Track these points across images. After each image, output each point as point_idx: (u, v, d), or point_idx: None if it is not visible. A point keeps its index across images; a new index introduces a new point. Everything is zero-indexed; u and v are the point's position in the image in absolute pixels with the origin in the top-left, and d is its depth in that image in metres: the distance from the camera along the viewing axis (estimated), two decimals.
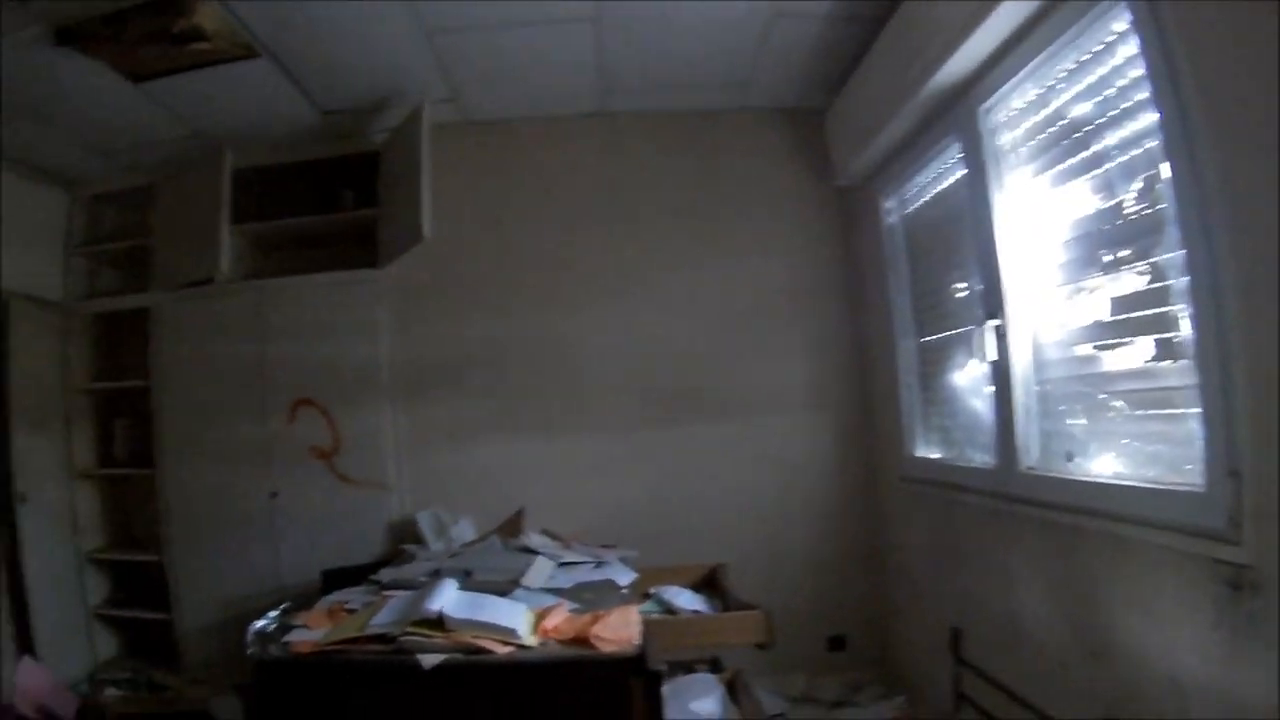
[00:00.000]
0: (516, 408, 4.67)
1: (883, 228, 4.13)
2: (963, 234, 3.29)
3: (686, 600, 3.62)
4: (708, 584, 4.04)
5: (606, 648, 2.41)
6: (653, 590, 3.72)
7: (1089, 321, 2.52)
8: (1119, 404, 2.41)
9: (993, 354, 3.02)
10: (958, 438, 3.61)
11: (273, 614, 2.86)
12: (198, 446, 4.64)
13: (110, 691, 4.35)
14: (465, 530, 4.30)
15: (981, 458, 3.33)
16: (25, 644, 4.40)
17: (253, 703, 2.47)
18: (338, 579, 3.76)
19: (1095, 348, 2.50)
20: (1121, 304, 2.34)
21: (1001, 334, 2.96)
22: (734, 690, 3.10)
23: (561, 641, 2.49)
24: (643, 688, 2.35)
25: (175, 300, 4.72)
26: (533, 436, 4.65)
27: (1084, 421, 2.60)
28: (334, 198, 4.66)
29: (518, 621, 2.51)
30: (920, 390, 3.96)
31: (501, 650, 2.35)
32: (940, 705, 3.59)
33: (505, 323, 4.70)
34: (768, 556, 4.50)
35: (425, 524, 4.33)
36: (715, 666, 3.93)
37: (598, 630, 2.49)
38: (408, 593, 2.87)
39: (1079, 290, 2.57)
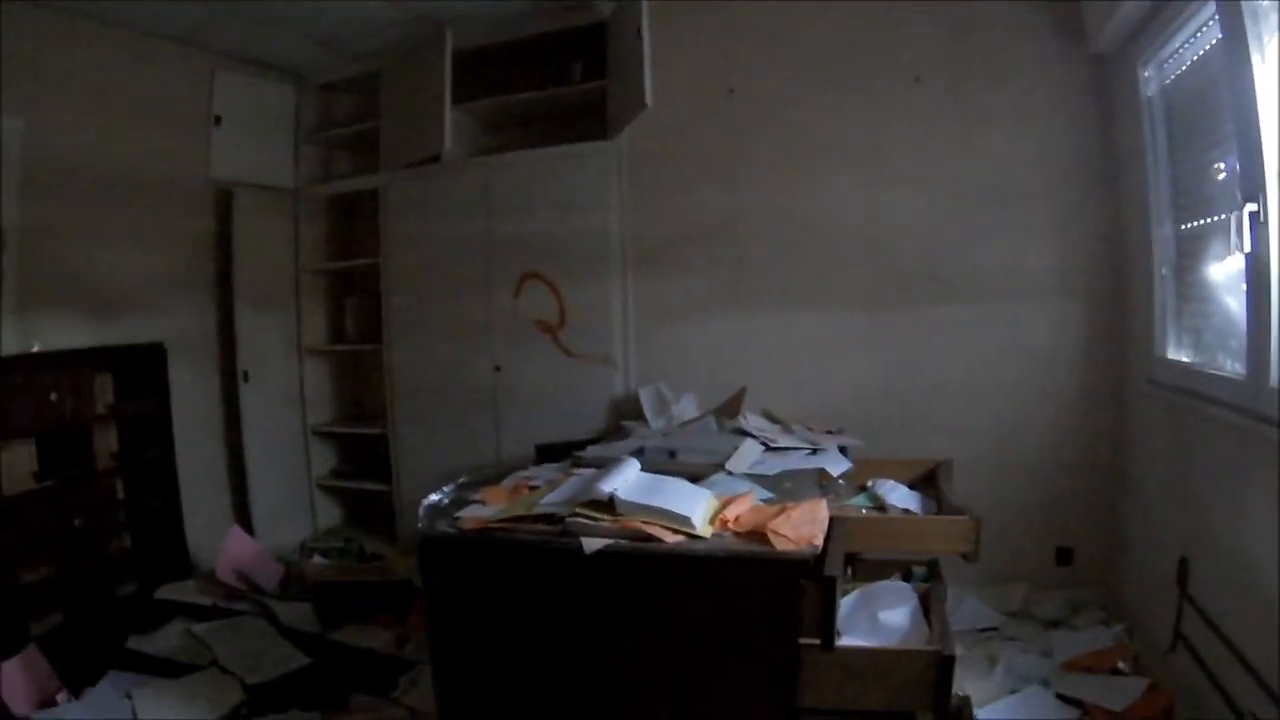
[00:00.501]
0: (745, 283, 4.51)
1: (1140, 99, 3.54)
2: (1222, 105, 2.75)
3: (900, 497, 3.33)
4: (928, 480, 3.75)
5: (782, 545, 2.23)
6: (870, 483, 3.44)
7: None
8: None
9: (1248, 245, 2.57)
10: (1209, 341, 3.13)
11: (448, 488, 2.85)
12: (424, 322, 4.82)
13: (316, 560, 4.55)
14: (687, 408, 4.21)
15: (1233, 366, 2.86)
16: (244, 516, 4.74)
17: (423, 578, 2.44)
18: (551, 453, 3.76)
19: None
20: None
21: (1259, 221, 2.50)
22: (927, 604, 2.85)
23: (739, 534, 2.33)
24: (817, 592, 2.19)
25: (403, 180, 4.84)
26: (761, 313, 4.49)
27: None
28: (564, 72, 4.59)
29: (694, 509, 2.35)
30: (1175, 284, 3.43)
31: (670, 539, 2.22)
32: (1159, 642, 3.22)
33: (735, 195, 4.51)
34: (999, 454, 4.15)
35: (647, 400, 4.29)
36: (933, 570, 3.71)
37: (776, 525, 2.30)
38: (590, 471, 2.79)
39: None
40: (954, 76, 4.19)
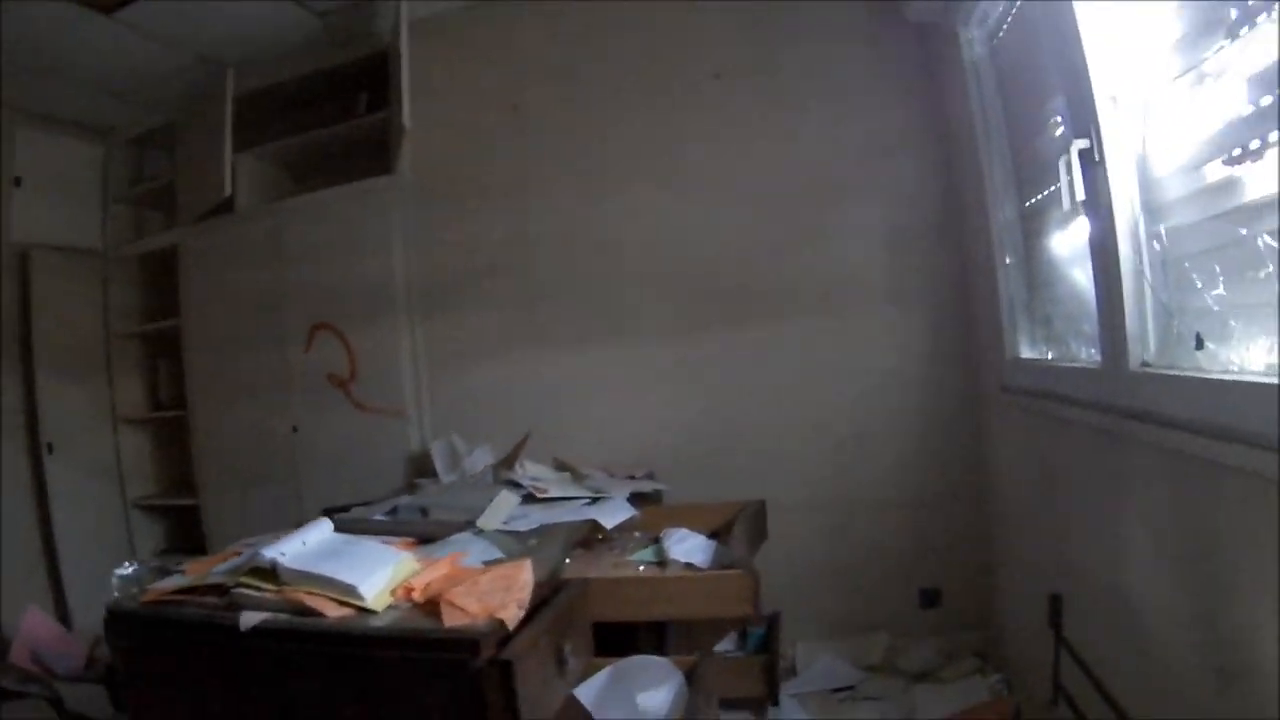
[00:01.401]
0: (540, 318, 4.06)
1: (965, 63, 3.06)
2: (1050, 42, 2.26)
3: (688, 549, 2.81)
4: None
5: (455, 619, 1.82)
6: (664, 534, 2.92)
7: (1219, 123, 1.51)
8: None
9: (1080, 191, 2.00)
10: (1060, 329, 2.63)
11: (143, 561, 2.72)
12: (223, 383, 4.52)
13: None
14: (480, 460, 3.79)
15: (1088, 354, 2.34)
16: (59, 595, 4.46)
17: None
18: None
19: (1228, 163, 1.49)
20: (1262, 82, 1.35)
21: (1093, 160, 1.94)
22: (695, 681, 2.23)
23: (419, 606, 1.94)
24: (496, 679, 1.72)
25: (199, 234, 4.56)
26: (558, 350, 4.03)
27: (1221, 290, 1.59)
28: (352, 106, 4.29)
29: (369, 577, 1.98)
30: (1024, 272, 2.92)
31: (334, 612, 1.88)
32: (1040, 694, 2.64)
33: (525, 221, 4.09)
34: (843, 488, 3.65)
35: (439, 454, 3.90)
36: (772, 625, 3.19)
37: (453, 595, 1.92)
38: (267, 537, 2.37)
39: (1199, 77, 1.57)
40: (759, 67, 3.77)
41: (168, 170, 4.88)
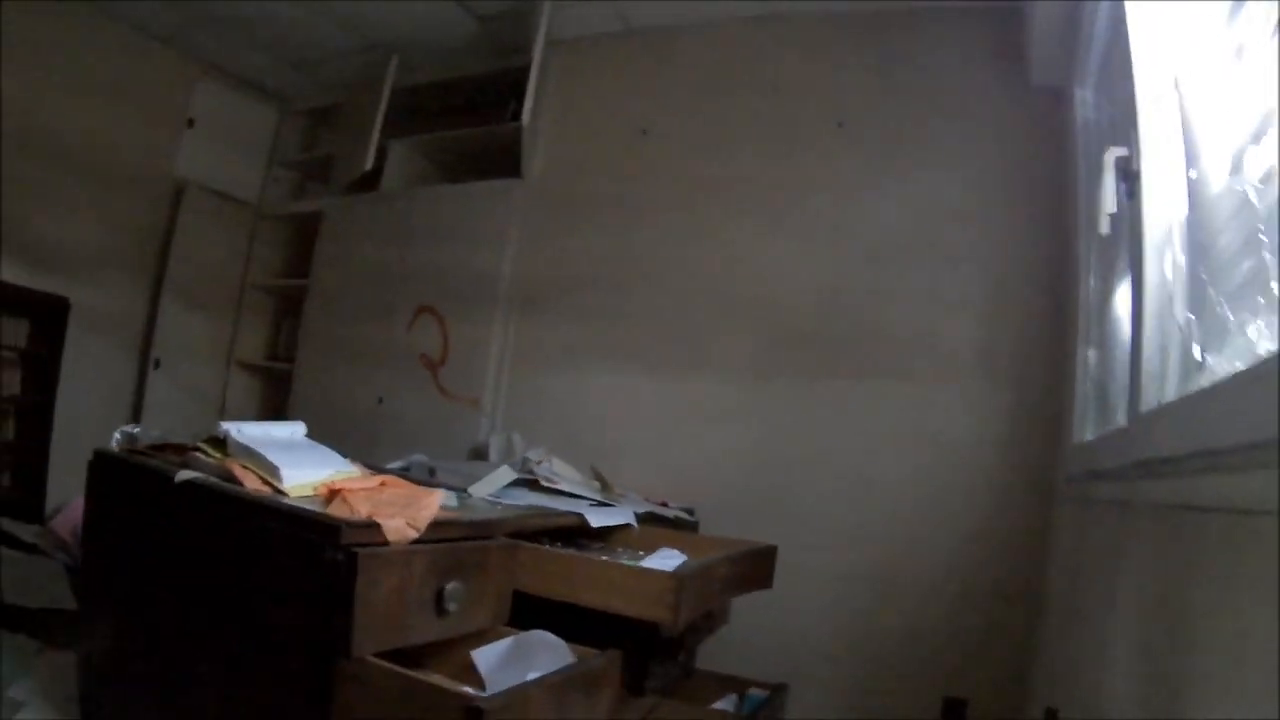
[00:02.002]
0: (622, 337, 4.01)
1: (1077, 124, 2.84)
2: None
3: (656, 561, 2.64)
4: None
5: (339, 512, 1.80)
6: (658, 551, 2.78)
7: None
8: None
9: (1111, 203, 1.78)
10: (1114, 396, 2.31)
11: (149, 429, 2.56)
12: (332, 346, 4.73)
13: None
14: (534, 458, 3.67)
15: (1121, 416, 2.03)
16: None
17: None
18: None
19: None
20: None
21: (1129, 171, 1.72)
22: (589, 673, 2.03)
23: (326, 500, 1.93)
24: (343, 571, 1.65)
25: (343, 205, 4.84)
26: (634, 371, 3.96)
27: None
28: (501, 111, 4.46)
29: (297, 469, 2.00)
30: (1100, 349, 2.62)
31: (251, 485, 1.93)
32: None
33: (629, 241, 4.09)
34: (883, 566, 3.33)
35: (495, 446, 3.94)
36: (775, 695, 3.06)
37: (350, 495, 1.90)
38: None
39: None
40: (880, 120, 3.66)
41: (330, 145, 5.24)
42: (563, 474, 3.19)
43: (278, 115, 5.49)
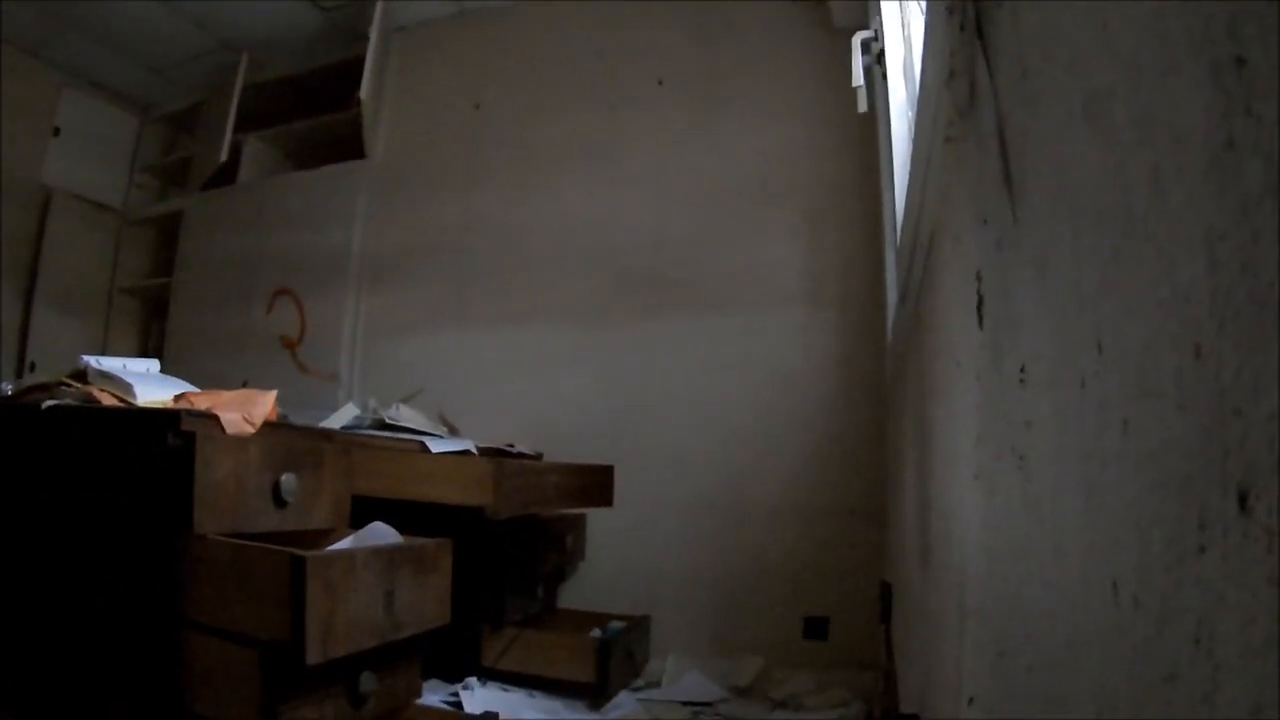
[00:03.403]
0: (470, 299, 4.17)
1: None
2: None
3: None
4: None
5: (192, 404, 2.00)
6: None
7: None
8: None
9: (859, 79, 1.94)
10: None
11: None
12: (197, 338, 4.80)
13: None
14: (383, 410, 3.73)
15: None
16: None
17: None
18: None
19: None
20: None
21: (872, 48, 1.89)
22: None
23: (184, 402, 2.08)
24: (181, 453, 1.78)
25: (203, 202, 4.93)
26: (483, 329, 4.11)
27: None
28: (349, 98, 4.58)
29: (152, 390, 2.13)
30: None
31: (108, 403, 2.04)
32: None
33: (469, 208, 4.27)
34: (735, 494, 3.45)
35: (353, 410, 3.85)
36: (636, 625, 3.22)
37: (192, 398, 2.09)
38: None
39: None
40: (698, 75, 3.89)
41: (189, 147, 5.30)
42: (410, 419, 3.26)
43: (139, 121, 5.52)
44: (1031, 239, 0.58)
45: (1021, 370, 0.59)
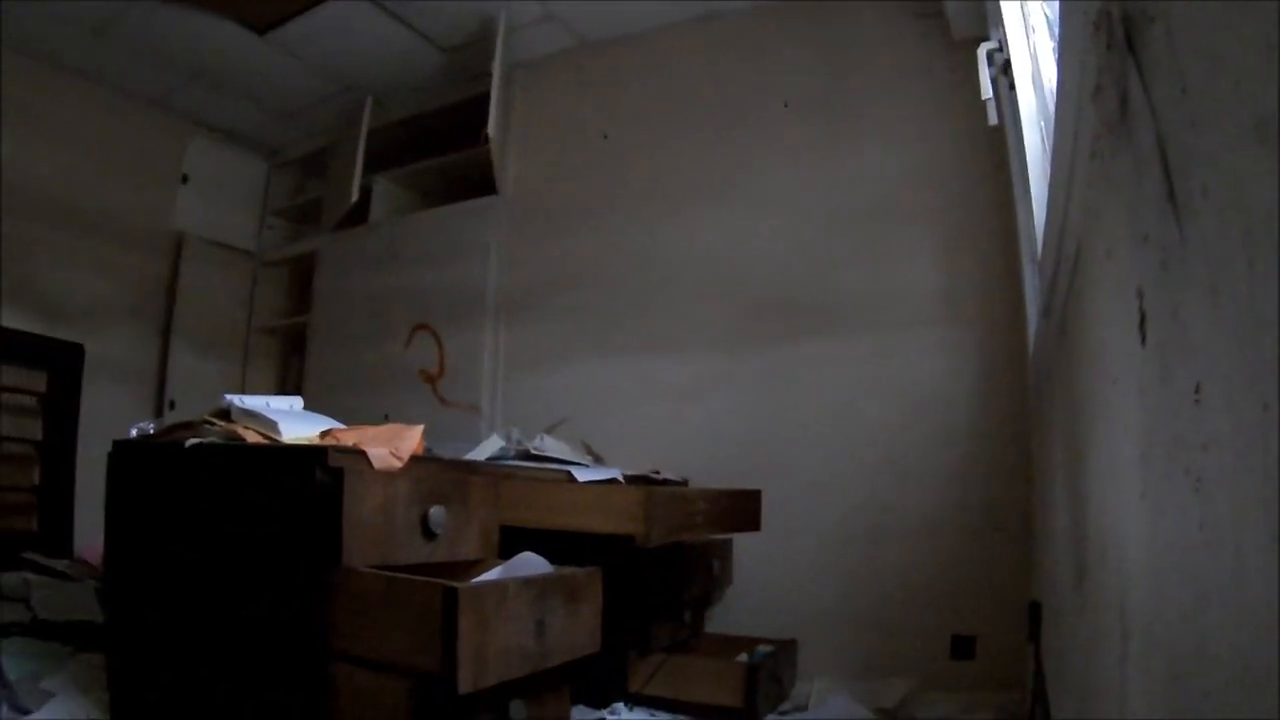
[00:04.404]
0: (608, 328, 4.22)
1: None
2: None
3: None
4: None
5: (339, 441, 2.06)
6: None
7: None
8: None
9: (987, 91, 1.92)
10: None
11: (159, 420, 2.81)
12: (336, 374, 4.96)
13: None
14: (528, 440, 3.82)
15: None
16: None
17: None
18: None
19: None
20: None
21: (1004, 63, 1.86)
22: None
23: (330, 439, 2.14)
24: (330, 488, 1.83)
25: (335, 242, 5.13)
26: (621, 358, 4.15)
27: None
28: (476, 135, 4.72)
29: (295, 426, 2.19)
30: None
31: (253, 440, 2.11)
32: None
33: (603, 239, 4.32)
34: (877, 515, 3.42)
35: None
36: (784, 649, 3.20)
37: (339, 434, 2.15)
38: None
39: None
40: (823, 95, 3.86)
41: (318, 189, 5.54)
42: (554, 449, 3.32)
43: (267, 165, 5.79)
44: (1201, 259, 0.57)
45: (1196, 390, 0.58)
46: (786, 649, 3.20)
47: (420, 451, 2.14)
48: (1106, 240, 0.90)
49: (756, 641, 3.26)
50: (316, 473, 1.82)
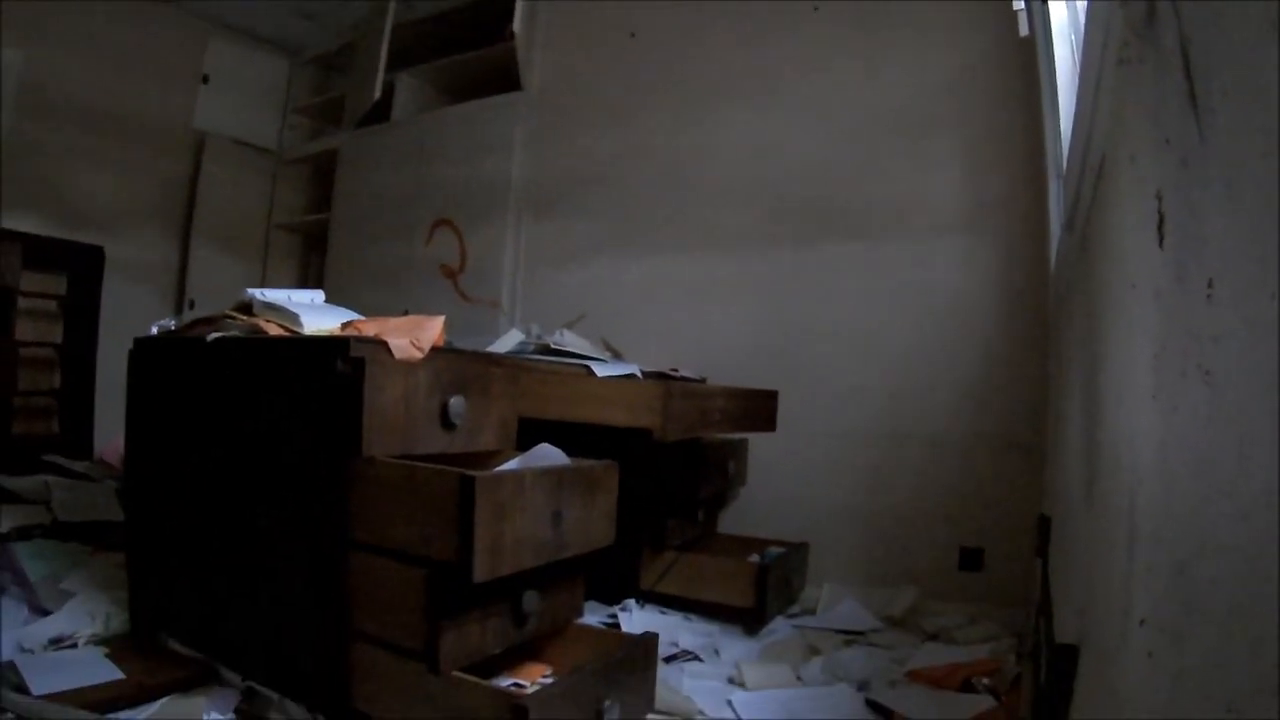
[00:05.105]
0: (632, 227, 4.23)
1: None
2: None
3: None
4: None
5: (360, 331, 2.06)
6: None
7: None
8: None
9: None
10: None
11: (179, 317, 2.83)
12: (357, 271, 5.03)
13: None
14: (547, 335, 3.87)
15: None
16: None
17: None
18: None
19: None
20: None
21: None
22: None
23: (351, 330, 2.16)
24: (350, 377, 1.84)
25: (358, 140, 5.13)
26: (645, 257, 4.18)
27: None
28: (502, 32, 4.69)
29: (317, 319, 2.18)
30: None
31: (274, 333, 2.11)
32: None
33: (629, 138, 4.30)
34: (892, 422, 3.44)
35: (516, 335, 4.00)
36: (795, 551, 3.25)
37: (360, 325, 2.17)
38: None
39: None
40: (855, 1, 3.74)
41: (341, 87, 5.51)
42: (574, 344, 3.33)
43: (289, 65, 5.77)
44: (1220, 158, 0.57)
45: (1209, 285, 0.58)
46: (798, 552, 3.25)
47: (440, 343, 2.14)
48: (1130, 146, 0.89)
49: (768, 543, 3.31)
50: (338, 363, 1.83)
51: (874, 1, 3.68)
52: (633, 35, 4.35)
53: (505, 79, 4.54)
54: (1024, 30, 2.08)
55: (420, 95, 5.06)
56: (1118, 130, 1.00)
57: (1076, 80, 1.73)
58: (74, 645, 2.28)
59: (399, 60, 4.89)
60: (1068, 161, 1.70)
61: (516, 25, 4.28)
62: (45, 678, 1.96)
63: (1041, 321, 3.16)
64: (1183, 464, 0.67)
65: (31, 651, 2.21)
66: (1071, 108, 1.79)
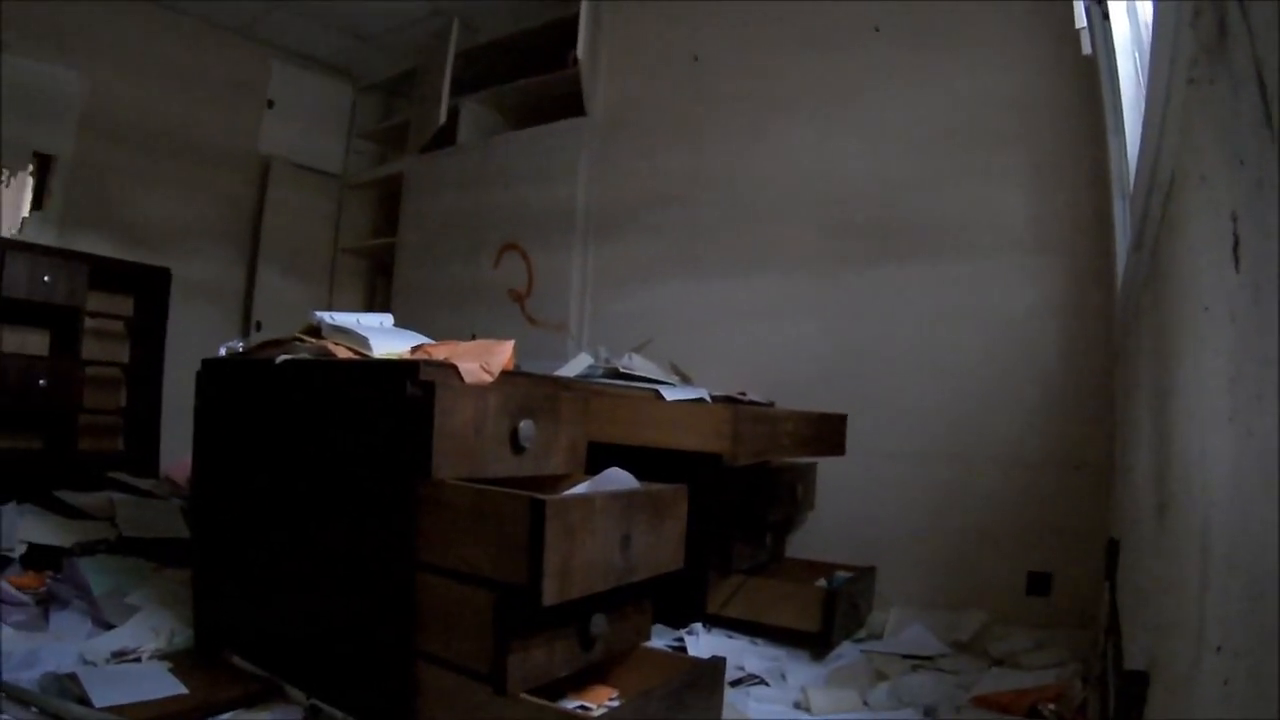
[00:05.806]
0: (698, 249, 4.22)
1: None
2: None
3: None
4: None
5: (430, 355, 2.08)
6: None
7: None
8: None
9: (1081, 20, 1.87)
10: None
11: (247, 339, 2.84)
12: (423, 294, 5.10)
13: None
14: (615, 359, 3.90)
15: None
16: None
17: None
18: None
19: None
20: None
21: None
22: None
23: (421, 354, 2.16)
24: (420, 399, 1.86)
25: (422, 164, 5.19)
26: (710, 278, 4.16)
27: None
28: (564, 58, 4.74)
29: (386, 342, 2.21)
30: None
31: (343, 356, 2.15)
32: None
33: (694, 160, 4.29)
34: (958, 444, 3.38)
35: (585, 359, 4.04)
36: (863, 575, 3.24)
37: (430, 349, 2.17)
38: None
39: None
40: (914, 20, 3.72)
41: (405, 112, 5.59)
42: (643, 367, 3.35)
43: (353, 90, 5.90)
44: None
45: None
46: (865, 576, 3.22)
47: (510, 367, 2.16)
48: (1201, 166, 0.89)
49: (835, 568, 3.28)
50: (408, 386, 1.85)
51: (934, 20, 3.66)
52: (695, 59, 4.37)
53: (569, 104, 4.58)
54: (1086, 49, 2.06)
55: (485, 120, 5.14)
56: (1187, 150, 1.00)
57: (1142, 98, 1.71)
58: (137, 659, 2.31)
59: (464, 85, 4.99)
60: (1134, 180, 1.69)
61: (580, 52, 4.33)
62: (106, 690, 1.97)
63: (1107, 340, 3.10)
64: (1259, 487, 0.67)
65: (94, 664, 2.24)
66: (1137, 126, 1.78)
